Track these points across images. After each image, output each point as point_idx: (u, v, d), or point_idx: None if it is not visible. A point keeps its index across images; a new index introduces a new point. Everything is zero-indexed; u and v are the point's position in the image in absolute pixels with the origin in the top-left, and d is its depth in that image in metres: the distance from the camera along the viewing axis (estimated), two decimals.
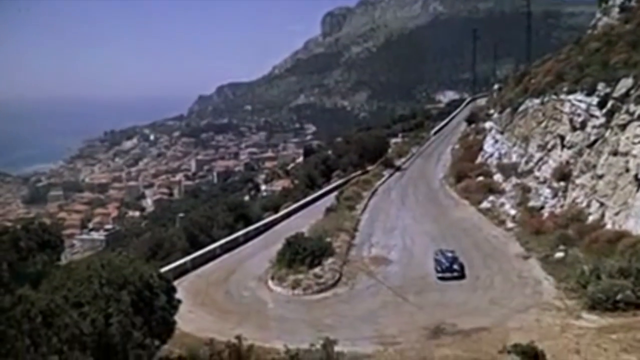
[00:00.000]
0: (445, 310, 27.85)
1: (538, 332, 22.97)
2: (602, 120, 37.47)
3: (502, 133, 60.70)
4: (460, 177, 58.93)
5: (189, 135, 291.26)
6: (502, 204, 46.80)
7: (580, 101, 41.04)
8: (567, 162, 41.32)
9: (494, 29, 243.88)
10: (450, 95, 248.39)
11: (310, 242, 36.53)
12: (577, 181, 38.48)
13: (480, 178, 55.43)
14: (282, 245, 36.58)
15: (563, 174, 40.91)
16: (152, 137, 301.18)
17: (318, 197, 63.30)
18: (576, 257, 30.96)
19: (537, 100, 51.87)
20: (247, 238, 46.22)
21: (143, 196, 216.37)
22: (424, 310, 27.98)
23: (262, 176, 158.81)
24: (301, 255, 34.99)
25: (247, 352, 21.12)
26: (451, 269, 32.25)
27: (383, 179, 68.39)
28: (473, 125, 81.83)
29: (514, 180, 49.58)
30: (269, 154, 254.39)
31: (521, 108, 56.06)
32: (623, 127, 34.31)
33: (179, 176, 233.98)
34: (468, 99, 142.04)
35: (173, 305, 18.75)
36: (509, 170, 52.03)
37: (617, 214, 32.43)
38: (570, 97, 43.03)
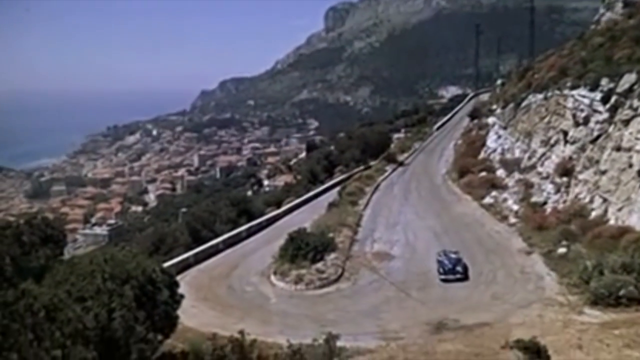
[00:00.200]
0: (448, 305, 27.87)
1: (540, 327, 22.98)
2: (606, 115, 37.36)
3: (505, 128, 60.63)
4: (462, 173, 58.85)
5: (192, 130, 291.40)
6: (505, 200, 46.76)
7: (583, 96, 40.93)
8: (570, 158, 41.24)
9: (497, 24, 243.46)
10: (453, 91, 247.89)
11: (313, 237, 36.57)
12: (580, 177, 38.42)
13: (483, 173, 55.36)
14: (284, 241, 36.62)
15: (566, 170, 40.83)
16: (154, 132, 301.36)
17: (320, 193, 63.30)
18: (579, 253, 30.91)
19: (540, 96, 51.76)
20: (250, 233, 46.25)
21: (146, 191, 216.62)
22: (427, 306, 28.00)
23: (265, 171, 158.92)
24: (304, 250, 35.01)
25: (249, 347, 21.13)
26: (454, 271, 31.42)
27: (386, 174, 68.34)
28: (476, 121, 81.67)
29: (516, 175, 49.52)
30: (272, 149, 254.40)
31: (524, 103, 55.97)
32: (626, 122, 34.23)
33: (182, 171, 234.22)
34: (471, 95, 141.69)
35: (176, 300, 18.77)
36: (511, 165, 51.95)
37: (620, 209, 32.38)
38: (574, 92, 42.92)
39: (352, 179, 65.65)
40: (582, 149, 39.75)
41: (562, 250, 32.34)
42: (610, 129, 36.23)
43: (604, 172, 35.10)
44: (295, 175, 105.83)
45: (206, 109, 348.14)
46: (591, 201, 35.88)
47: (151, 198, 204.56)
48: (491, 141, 63.41)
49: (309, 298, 31.19)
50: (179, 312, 19.03)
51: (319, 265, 34.25)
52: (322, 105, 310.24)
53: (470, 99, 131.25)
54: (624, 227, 30.88)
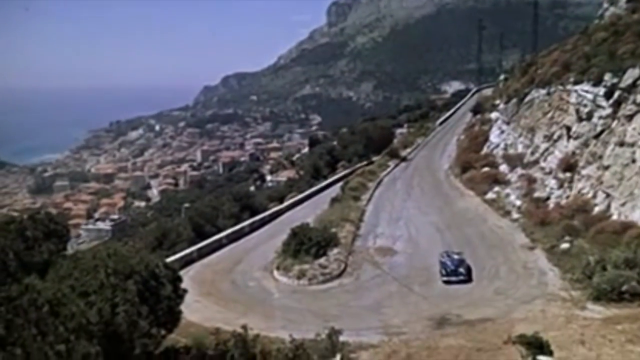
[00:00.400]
0: (451, 300, 27.90)
1: (543, 322, 23.00)
2: (609, 110, 37.30)
3: (507, 124, 60.54)
4: (465, 168, 58.79)
5: (195, 126, 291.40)
6: (508, 195, 46.73)
7: (586, 92, 40.86)
8: (573, 153, 41.18)
9: (500, 18, 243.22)
10: (455, 86, 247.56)
11: (316, 232, 36.59)
12: (583, 172, 38.37)
13: (486, 169, 55.29)
14: (287, 236, 36.64)
15: (569, 165, 40.77)
16: (157, 128, 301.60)
17: (323, 188, 63.34)
18: (582, 248, 30.89)
19: (543, 91, 51.69)
20: (253, 228, 46.31)
21: (149, 186, 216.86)
22: (429, 301, 28.03)
23: (268, 167, 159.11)
24: (306, 245, 35.04)
25: (252, 342, 21.19)
26: (456, 273, 30.51)
27: (388, 169, 68.32)
28: (479, 116, 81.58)
29: (519, 171, 49.46)
30: (274, 144, 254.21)
31: (527, 98, 55.90)
32: (630, 117, 34.19)
33: (185, 166, 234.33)
34: (474, 90, 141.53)
35: (179, 294, 18.81)
36: (514, 160, 51.89)
37: (623, 204, 32.35)
38: (577, 87, 42.85)
39: (355, 174, 65.68)
40: (585, 144, 39.69)
41: (564, 245, 32.32)
42: (614, 124, 36.18)
43: (607, 168, 35.05)
44: (297, 170, 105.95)
45: (209, 104, 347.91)
46: (594, 196, 35.84)
47: (154, 193, 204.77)
48: (494, 136, 63.34)
49: (311, 293, 31.23)
50: (182, 307, 19.07)
51: (322, 260, 34.28)
52: (324, 101, 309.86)
53: (473, 94, 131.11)
54: (627, 222, 30.87)
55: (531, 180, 45.79)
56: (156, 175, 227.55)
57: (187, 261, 36.70)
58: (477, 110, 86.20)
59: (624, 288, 24.53)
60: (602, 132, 37.64)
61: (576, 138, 41.44)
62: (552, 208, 39.63)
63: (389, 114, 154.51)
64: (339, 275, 33.21)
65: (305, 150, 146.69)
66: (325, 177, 72.99)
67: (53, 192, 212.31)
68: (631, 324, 21.59)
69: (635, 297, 24.29)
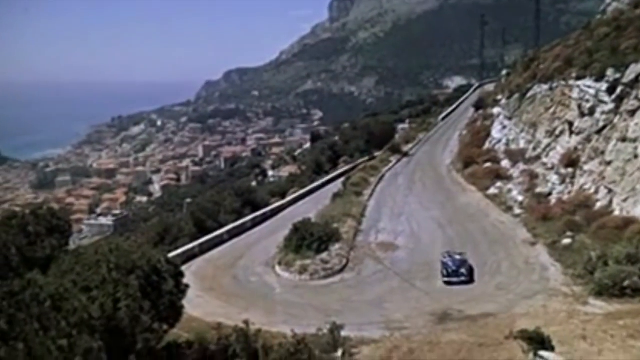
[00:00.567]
0: (452, 296, 27.94)
1: (545, 318, 23.01)
2: (611, 106, 37.22)
3: (510, 119, 60.45)
4: (467, 163, 58.74)
5: (196, 121, 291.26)
6: (510, 190, 46.69)
7: (589, 87, 40.77)
8: (576, 148, 41.12)
9: (503, 14, 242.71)
10: (458, 81, 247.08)
11: (318, 227, 36.64)
12: (585, 167, 38.32)
13: (488, 164, 55.23)
14: (289, 231, 36.70)
15: (571, 160, 40.72)
16: (159, 123, 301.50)
17: (325, 183, 63.35)
18: (583, 244, 30.90)
19: (545, 86, 51.58)
20: (255, 224, 46.36)
21: (150, 182, 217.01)
22: (431, 296, 28.06)
23: (269, 162, 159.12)
24: (308, 240, 35.11)
25: (254, 337, 21.23)
26: (457, 274, 29.90)
27: (390, 165, 68.30)
28: (481, 111, 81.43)
29: (521, 166, 49.41)
30: (276, 139, 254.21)
31: (529, 94, 55.79)
32: (632, 113, 34.12)
33: (186, 162, 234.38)
34: (476, 85, 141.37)
35: (181, 289, 18.82)
36: (516, 156, 51.83)
37: (625, 200, 32.31)
38: (579, 82, 42.76)
39: (357, 169, 65.69)
40: (588, 139, 39.63)
41: (566, 241, 32.32)
42: (616, 120, 36.11)
43: (609, 163, 35.01)
44: (299, 165, 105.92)
45: (211, 99, 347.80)
46: (596, 192, 35.81)
47: (156, 189, 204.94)
48: (496, 132, 63.25)
49: (313, 288, 31.29)
50: (184, 302, 19.08)
51: (324, 255, 34.35)
52: (326, 96, 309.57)
53: (475, 89, 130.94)
54: (629, 217, 30.84)
55: (533, 176, 45.75)
56: (158, 171, 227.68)
57: (189, 256, 36.77)
58: (479, 105, 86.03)
59: (626, 283, 24.53)
60: (604, 127, 37.57)
61: (578, 133, 41.37)
62: (554, 203, 39.60)
63: (391, 109, 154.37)
64: (341, 271, 33.27)
65: (307, 145, 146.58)
66: (327, 173, 72.96)
67: (55, 188, 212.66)
68: (633, 319, 21.59)
69: (637, 293, 24.28)
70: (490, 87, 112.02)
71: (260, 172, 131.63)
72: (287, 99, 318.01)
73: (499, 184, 49.04)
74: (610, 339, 20.08)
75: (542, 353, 18.63)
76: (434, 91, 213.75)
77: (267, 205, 54.36)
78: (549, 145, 46.60)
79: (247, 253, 38.33)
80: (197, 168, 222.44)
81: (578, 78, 43.51)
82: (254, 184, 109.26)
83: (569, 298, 25.60)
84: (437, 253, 34.51)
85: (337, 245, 35.78)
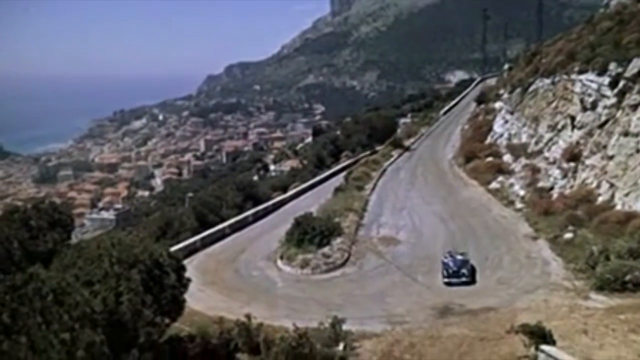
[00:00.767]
0: (453, 290, 27.96)
1: (546, 312, 23.06)
2: (613, 100, 37.15)
3: (512, 113, 60.36)
4: (469, 158, 58.68)
5: (198, 115, 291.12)
6: (512, 185, 46.68)
7: (591, 81, 40.70)
8: (577, 143, 41.06)
9: (505, 8, 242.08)
10: (459, 75, 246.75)
11: (319, 222, 36.67)
12: (587, 162, 38.29)
13: (490, 158, 55.19)
14: (290, 225, 36.74)
15: (573, 155, 40.67)
16: (161, 117, 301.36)
17: (327, 177, 63.36)
18: (585, 238, 30.90)
19: (547, 80, 51.49)
20: (256, 218, 46.38)
21: (152, 176, 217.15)
22: (432, 290, 28.09)
23: (271, 156, 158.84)
24: (310, 235, 35.14)
25: (256, 330, 21.30)
26: (458, 274, 29.08)
27: (392, 159, 68.24)
28: (483, 106, 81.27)
29: (523, 160, 49.36)
30: (278, 134, 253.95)
31: (531, 88, 55.69)
32: (634, 107, 34.07)
33: (188, 156, 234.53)
34: (478, 79, 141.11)
35: (183, 283, 18.86)
36: (518, 150, 51.77)
37: (627, 194, 32.30)
38: (582, 77, 42.68)
39: (359, 163, 65.67)
40: (590, 134, 39.57)
41: (568, 235, 32.31)
42: (618, 114, 36.05)
43: (611, 158, 34.97)
44: (301, 160, 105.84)
45: (212, 93, 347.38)
46: (598, 186, 35.78)
47: (158, 183, 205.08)
48: (498, 126, 63.17)
49: (315, 282, 31.34)
50: (186, 295, 19.14)
51: (325, 249, 34.37)
52: (328, 90, 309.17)
53: (477, 83, 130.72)
54: (631, 212, 30.84)
55: (535, 170, 45.72)
56: (160, 165, 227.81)
57: (191, 250, 36.82)
58: (481, 100, 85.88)
59: (627, 278, 24.56)
60: (606, 121, 37.51)
61: (580, 128, 41.31)
62: (556, 198, 39.59)
63: (393, 103, 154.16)
64: (343, 265, 33.31)
65: (309, 139, 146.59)
66: (329, 167, 72.97)
67: (57, 182, 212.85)
68: (634, 313, 21.61)
69: (638, 287, 24.31)
70: (492, 82, 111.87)
71: (261, 167, 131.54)
72: (288, 93, 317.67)
73: (500, 178, 49.01)
74: (612, 333, 20.11)
75: (544, 347, 18.67)
76: (436, 85, 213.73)
77: (268, 199, 54.37)
78: (551, 139, 46.55)
79: (249, 247, 38.37)
80: (198, 162, 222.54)
81: (580, 72, 43.42)
82: (255, 178, 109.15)
83: (571, 292, 25.63)
84: (439, 247, 34.56)
85: (338, 240, 35.81)
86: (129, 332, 14.53)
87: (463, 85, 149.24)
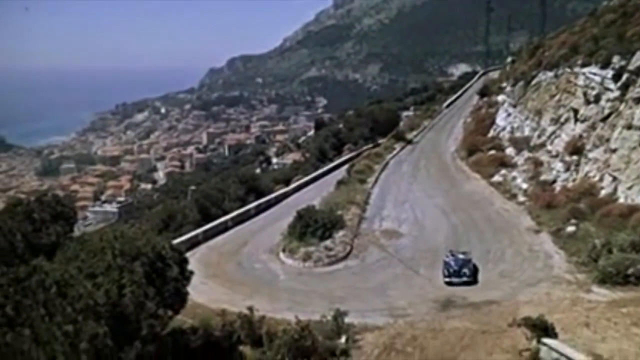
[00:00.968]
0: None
1: (548, 305, 23.08)
2: (617, 93, 37.06)
3: (514, 106, 60.24)
4: (472, 151, 58.62)
5: (200, 108, 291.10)
6: (514, 178, 46.64)
7: (594, 74, 40.60)
8: (580, 136, 41.00)
9: (508, 0, 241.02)
10: (462, 68, 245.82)
11: (322, 214, 36.68)
12: (590, 155, 38.23)
13: (492, 152, 55.13)
14: (293, 218, 36.75)
15: (576, 148, 40.62)
16: (163, 110, 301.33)
17: (329, 171, 63.33)
18: (588, 231, 30.90)
19: (550, 73, 51.37)
20: (259, 211, 46.43)
21: (155, 169, 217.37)
22: (434, 283, 28.09)
23: (273, 149, 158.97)
24: (312, 227, 35.16)
25: (258, 323, 21.37)
26: (459, 274, 28.13)
27: (394, 152, 68.18)
28: (485, 99, 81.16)
29: (526, 154, 49.30)
30: (280, 127, 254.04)
31: (534, 81, 55.57)
32: (638, 100, 34.00)
33: (190, 149, 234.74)
34: (481, 72, 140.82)
35: (185, 276, 18.91)
36: (521, 143, 51.70)
37: (629, 188, 32.27)
38: (585, 70, 42.57)
39: (361, 156, 65.62)
40: (593, 127, 39.51)
41: (570, 228, 32.30)
42: (621, 107, 35.96)
43: (614, 151, 34.91)
44: (303, 153, 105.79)
45: (214, 86, 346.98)
46: (601, 180, 35.74)
47: (160, 176, 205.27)
48: (501, 119, 63.07)
49: (317, 275, 31.40)
50: (189, 288, 19.19)
51: (328, 242, 34.40)
52: (330, 83, 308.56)
53: (480, 76, 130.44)
54: (634, 205, 30.83)
55: (538, 163, 45.66)
56: (162, 158, 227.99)
57: (194, 243, 36.87)
58: (483, 92, 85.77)
59: (630, 271, 24.57)
60: (609, 115, 37.43)
61: (583, 121, 41.24)
62: (559, 191, 39.56)
63: (396, 96, 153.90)
64: (345, 258, 33.36)
65: (311, 132, 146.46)
66: (331, 160, 72.94)
67: (60, 175, 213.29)
68: (636, 307, 21.64)
69: None
70: (495, 75, 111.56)
71: (264, 160, 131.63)
72: (291, 86, 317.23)
73: (503, 171, 48.96)
74: (614, 326, 20.14)
75: (546, 340, 18.72)
76: (439, 78, 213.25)
77: (271, 192, 54.40)
78: (553, 132, 46.47)
79: (251, 240, 38.42)
80: (201, 155, 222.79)
81: (583, 65, 43.32)
82: (257, 171, 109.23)
83: (573, 285, 25.64)
84: (441, 240, 34.62)
85: (341, 233, 35.83)
86: (131, 325, 14.59)
87: (466, 78, 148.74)
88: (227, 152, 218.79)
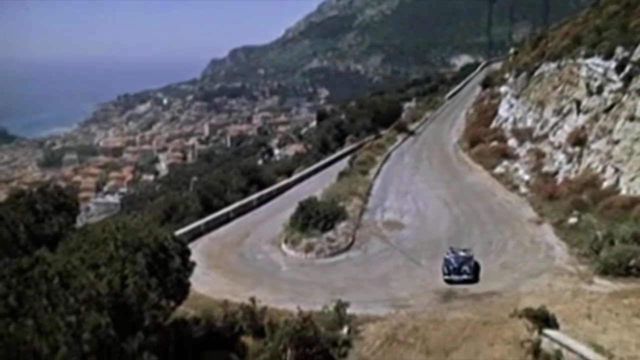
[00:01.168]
0: None
1: (550, 296, 23.13)
2: (620, 84, 36.95)
3: (517, 97, 60.10)
4: (474, 142, 58.53)
5: (202, 99, 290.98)
6: (516, 169, 46.58)
7: (597, 65, 40.47)
8: (583, 127, 40.91)
9: None
10: (465, 59, 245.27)
11: (324, 206, 36.70)
12: (593, 146, 38.15)
13: (495, 143, 55.04)
14: (295, 209, 36.75)
15: (578, 139, 40.53)
16: (165, 101, 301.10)
17: (331, 162, 63.26)
18: (590, 223, 30.88)
19: (553, 65, 51.22)
20: (261, 202, 46.44)
21: (157, 160, 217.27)
22: (436, 274, 28.12)
23: (275, 140, 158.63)
24: (314, 219, 35.16)
25: (260, 314, 21.46)
26: (459, 271, 27.10)
27: (396, 143, 68.09)
28: (488, 90, 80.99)
29: (528, 145, 49.23)
30: (282, 118, 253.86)
31: (537, 72, 55.42)
32: None
33: (193, 140, 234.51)
34: (483, 63, 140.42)
35: (187, 267, 18.99)
36: (523, 135, 51.61)
37: (632, 179, 32.23)
38: (588, 61, 42.45)
39: (363, 148, 65.53)
40: (595, 118, 39.40)
41: (572, 220, 32.30)
42: (624, 99, 35.85)
43: (616, 142, 34.83)
44: (305, 144, 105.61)
45: (216, 77, 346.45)
46: (603, 171, 35.68)
47: (162, 167, 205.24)
48: (503, 110, 62.95)
49: (319, 266, 31.45)
50: (191, 279, 19.26)
51: (330, 233, 34.43)
52: (332, 74, 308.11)
53: (483, 67, 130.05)
54: (636, 197, 30.82)
55: (540, 155, 45.60)
56: (164, 149, 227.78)
57: (196, 234, 36.91)
58: (486, 84, 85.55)
59: (631, 263, 24.61)
60: (612, 106, 37.33)
61: (586, 112, 41.14)
62: (561, 182, 39.52)
63: (398, 87, 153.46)
64: (347, 249, 33.41)
65: (313, 124, 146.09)
66: (333, 151, 72.80)
67: (62, 166, 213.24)
68: (637, 298, 21.68)
69: None
70: (497, 66, 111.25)
71: (266, 151, 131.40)
72: (293, 77, 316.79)
73: (505, 162, 48.90)
74: (615, 317, 20.19)
75: (547, 331, 18.78)
76: (441, 69, 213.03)
77: (273, 183, 54.39)
78: (556, 124, 46.38)
79: (253, 231, 38.45)
80: (203, 146, 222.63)
81: (586, 56, 43.18)
82: (260, 162, 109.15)
83: (574, 277, 25.66)
84: (443, 232, 34.65)
85: (343, 224, 35.85)
86: (134, 315, 14.64)
87: (468, 69, 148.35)
88: (229, 144, 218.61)
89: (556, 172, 41.70)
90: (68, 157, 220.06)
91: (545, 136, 47.44)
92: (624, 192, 32.47)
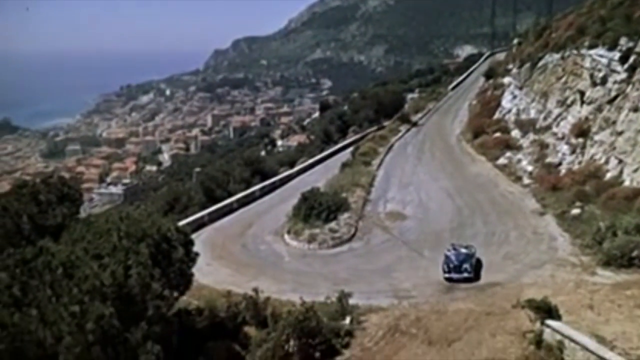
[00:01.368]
0: None
1: (552, 287, 23.14)
2: (624, 75, 36.75)
3: (520, 88, 59.88)
4: (477, 133, 58.35)
5: (205, 90, 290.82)
6: (519, 160, 46.50)
7: (601, 56, 40.25)
8: (587, 118, 40.75)
9: None
10: (468, 50, 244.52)
11: (326, 197, 36.71)
12: (596, 137, 38.03)
13: (498, 134, 54.88)
14: (298, 200, 36.79)
15: (582, 130, 40.37)
16: (168, 92, 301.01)
17: (334, 153, 63.25)
18: (592, 214, 30.84)
19: (557, 55, 50.95)
20: (263, 193, 46.46)
21: (160, 151, 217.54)
22: (439, 265, 28.14)
23: (278, 131, 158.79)
24: (317, 210, 35.20)
25: (263, 304, 21.53)
26: (460, 269, 26.13)
27: (399, 134, 67.96)
28: (491, 81, 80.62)
29: (531, 136, 49.09)
30: (285, 109, 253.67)
31: (541, 63, 55.14)
32: None
33: (195, 131, 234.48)
34: (487, 54, 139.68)
35: (191, 257, 19.04)
36: (526, 126, 51.43)
37: (635, 170, 32.13)
38: (592, 51, 42.21)
39: (366, 139, 65.40)
40: (599, 109, 39.23)
41: (575, 211, 32.24)
42: (628, 89, 35.69)
43: (620, 133, 34.71)
44: (308, 135, 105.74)
45: (219, 68, 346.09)
46: (607, 162, 35.58)
47: (165, 158, 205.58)
48: (506, 101, 62.72)
49: (322, 257, 31.48)
50: (194, 270, 19.31)
51: (332, 224, 34.47)
52: (335, 65, 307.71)
53: (486, 58, 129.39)
54: (639, 188, 30.72)
55: (543, 146, 45.48)
56: (167, 140, 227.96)
57: (199, 225, 37.01)
58: (489, 75, 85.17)
59: (634, 254, 24.58)
60: (616, 97, 37.16)
61: (590, 103, 40.97)
62: (564, 174, 39.41)
63: (401, 78, 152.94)
64: (349, 240, 33.44)
65: (316, 115, 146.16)
66: (336, 142, 72.77)
67: (65, 157, 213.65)
68: None
69: None
70: (501, 56, 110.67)
71: (269, 142, 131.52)
72: (295, 68, 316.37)
73: (508, 154, 48.79)
74: (617, 308, 20.19)
75: (549, 322, 18.79)
76: (444, 60, 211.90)
77: (275, 174, 54.41)
78: (559, 115, 46.22)
79: (256, 222, 38.50)
80: (206, 137, 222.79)
81: (590, 47, 42.94)
82: (262, 153, 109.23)
83: (577, 268, 25.66)
84: (446, 223, 34.62)
85: (345, 215, 35.88)
86: (137, 305, 14.70)
87: (471, 60, 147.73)
88: (232, 134, 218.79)
89: (559, 163, 41.60)
90: (71, 148, 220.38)
91: (549, 127, 47.29)
92: (627, 183, 32.38)
